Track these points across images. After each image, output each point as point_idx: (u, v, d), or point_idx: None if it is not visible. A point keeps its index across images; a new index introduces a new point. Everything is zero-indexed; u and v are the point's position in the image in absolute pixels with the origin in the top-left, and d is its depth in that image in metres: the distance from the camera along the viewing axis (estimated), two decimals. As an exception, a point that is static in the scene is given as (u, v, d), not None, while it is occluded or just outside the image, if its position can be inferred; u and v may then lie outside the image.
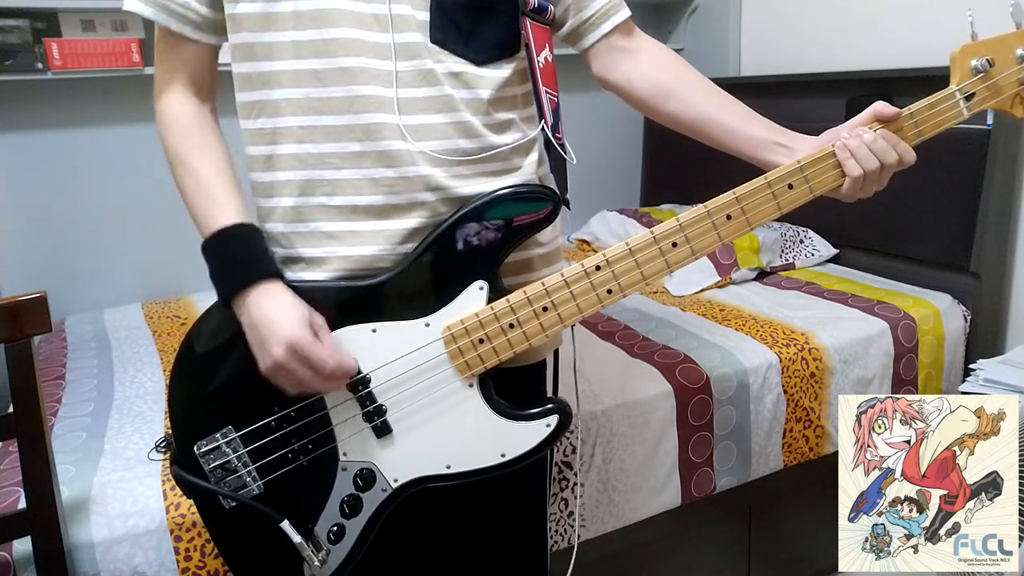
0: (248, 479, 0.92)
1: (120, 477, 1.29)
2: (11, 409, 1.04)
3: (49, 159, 2.32)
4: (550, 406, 0.92)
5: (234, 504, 0.93)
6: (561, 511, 1.52)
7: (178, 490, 1.24)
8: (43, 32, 2.16)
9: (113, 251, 2.44)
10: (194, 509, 1.22)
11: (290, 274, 0.92)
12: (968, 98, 0.90)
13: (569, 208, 0.93)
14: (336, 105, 0.87)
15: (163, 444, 1.38)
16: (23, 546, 1.13)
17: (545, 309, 0.89)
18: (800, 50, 2.55)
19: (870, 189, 0.92)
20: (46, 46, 2.13)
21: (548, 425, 0.91)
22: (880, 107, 0.90)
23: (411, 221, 0.90)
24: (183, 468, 0.93)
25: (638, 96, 1.02)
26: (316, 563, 0.92)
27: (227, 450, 0.92)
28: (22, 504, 1.08)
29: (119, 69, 2.21)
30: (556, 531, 1.52)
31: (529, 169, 0.97)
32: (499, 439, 0.91)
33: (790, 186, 0.90)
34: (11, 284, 2.27)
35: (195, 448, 0.92)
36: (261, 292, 0.85)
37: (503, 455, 0.91)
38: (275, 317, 0.84)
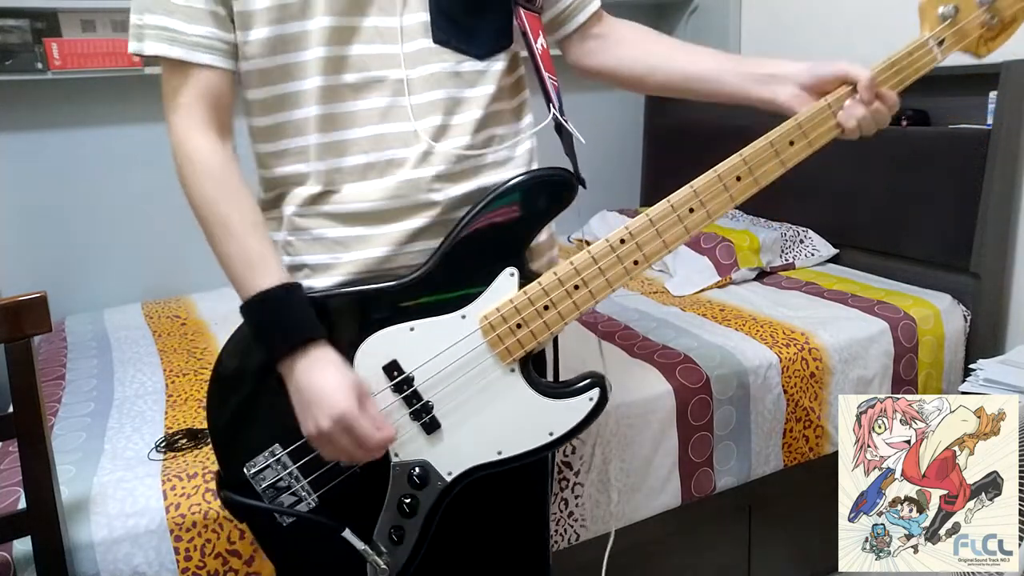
0: (303, 494, 0.92)
1: (120, 477, 1.29)
2: (11, 409, 1.04)
3: (49, 159, 2.32)
4: (589, 380, 0.94)
5: (291, 520, 0.92)
6: (561, 511, 1.52)
7: (178, 490, 1.25)
8: (43, 32, 2.16)
9: (113, 251, 2.44)
10: (195, 510, 1.22)
11: (307, 282, 0.92)
12: (940, 43, 0.96)
13: (585, 187, 0.94)
14: (344, 120, 0.88)
15: (163, 444, 1.38)
16: (23, 546, 1.13)
17: (576, 287, 0.91)
18: (800, 50, 2.54)
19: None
20: (46, 46, 2.13)
21: (591, 399, 0.93)
22: (859, 78, 0.93)
23: (417, 222, 0.90)
24: (233, 491, 0.92)
25: (618, 79, 1.08)
26: (382, 566, 0.92)
27: (277, 468, 0.91)
28: (22, 504, 1.08)
29: (119, 69, 2.21)
30: (556, 531, 1.52)
31: (524, 158, 0.98)
32: (545, 419, 0.93)
33: (791, 143, 0.93)
34: (11, 284, 2.27)
35: (245, 470, 0.91)
36: (309, 358, 0.85)
37: (551, 434, 0.93)
38: (323, 386, 0.84)
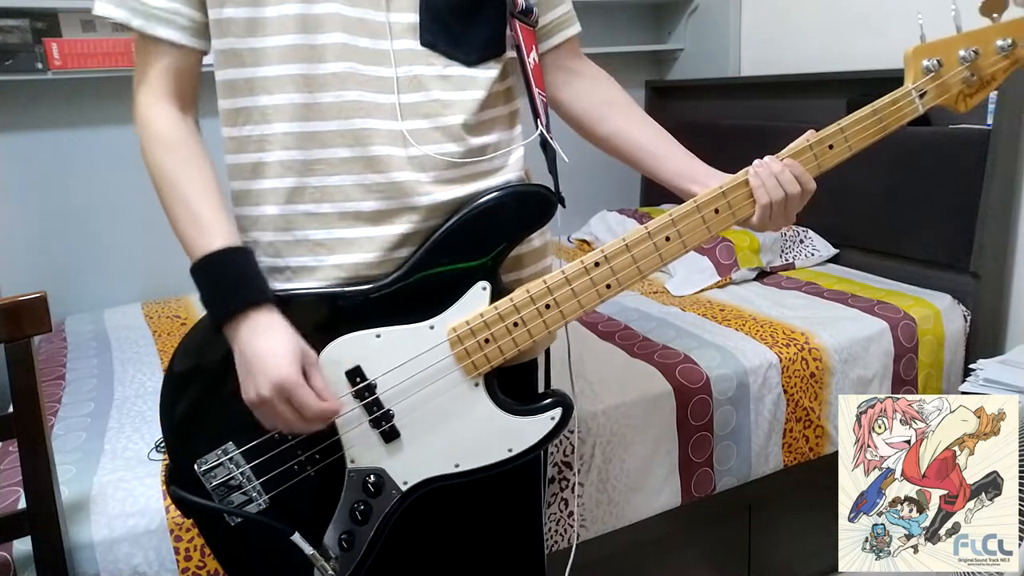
0: (254, 494, 0.91)
1: (120, 477, 1.29)
2: (11, 409, 1.04)
3: (49, 159, 2.32)
4: (552, 399, 0.93)
5: (240, 520, 0.91)
6: (561, 511, 1.52)
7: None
8: (43, 32, 2.16)
9: (113, 251, 2.44)
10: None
11: (281, 284, 0.91)
12: (922, 95, 0.97)
13: (564, 206, 0.93)
14: (324, 111, 0.86)
15: (163, 444, 1.38)
16: (23, 546, 1.13)
17: (548, 306, 0.90)
18: (800, 50, 2.54)
19: (778, 221, 0.94)
20: (46, 46, 2.13)
21: (552, 418, 0.92)
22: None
23: (401, 227, 0.89)
24: (182, 488, 0.90)
25: (574, 117, 1.06)
26: (329, 572, 0.91)
27: (230, 467, 0.90)
28: (22, 504, 1.08)
29: (119, 69, 2.21)
30: (556, 531, 1.52)
31: (516, 165, 0.97)
32: (505, 435, 0.92)
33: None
34: (11, 284, 2.27)
35: (196, 466, 0.90)
36: (253, 322, 0.83)
37: (510, 450, 0.92)
38: (266, 351, 0.82)
